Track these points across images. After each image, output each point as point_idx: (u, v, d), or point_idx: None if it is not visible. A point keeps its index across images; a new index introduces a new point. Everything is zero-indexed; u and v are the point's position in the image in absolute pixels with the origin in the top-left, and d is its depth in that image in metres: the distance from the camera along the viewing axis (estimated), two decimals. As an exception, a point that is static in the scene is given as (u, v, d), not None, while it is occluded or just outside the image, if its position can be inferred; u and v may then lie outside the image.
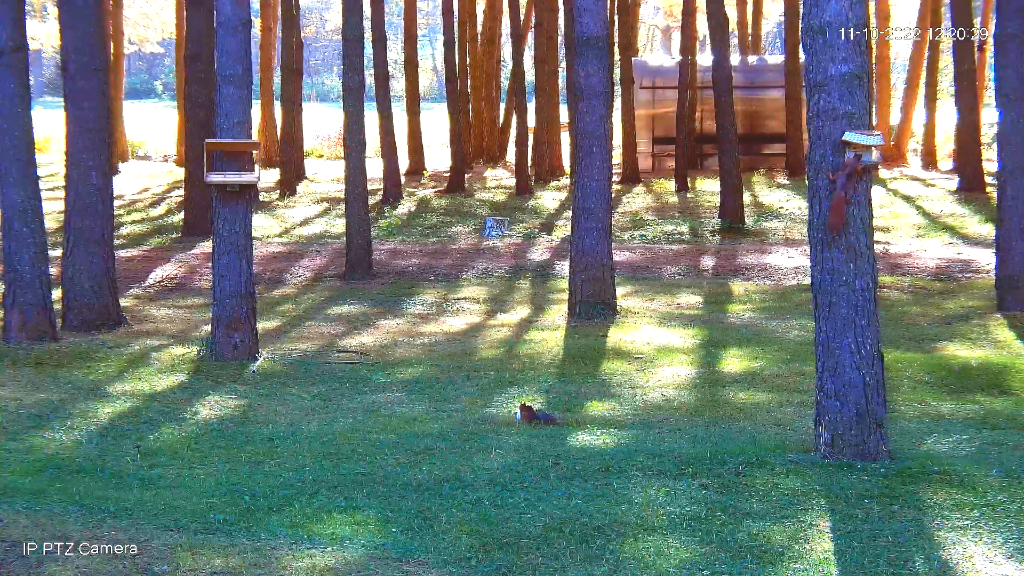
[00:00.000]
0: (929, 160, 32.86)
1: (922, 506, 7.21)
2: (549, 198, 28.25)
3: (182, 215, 24.24)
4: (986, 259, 18.54)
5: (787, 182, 30.01)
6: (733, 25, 35.20)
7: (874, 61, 32.62)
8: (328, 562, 6.42)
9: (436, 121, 45.38)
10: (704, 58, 31.96)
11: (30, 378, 11.58)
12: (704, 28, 34.49)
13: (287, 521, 7.10)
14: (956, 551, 6.53)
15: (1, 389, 11.03)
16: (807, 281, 11.92)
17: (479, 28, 38.12)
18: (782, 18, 37.07)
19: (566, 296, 15.49)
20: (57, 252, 14.77)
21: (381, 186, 28.10)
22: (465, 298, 16.97)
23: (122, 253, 20.26)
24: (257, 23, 35.11)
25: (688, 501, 7.34)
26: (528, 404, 10.07)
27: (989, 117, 28.58)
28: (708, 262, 20.05)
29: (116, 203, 20.68)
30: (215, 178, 12.44)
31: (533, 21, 34.05)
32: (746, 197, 25.61)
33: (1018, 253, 14.34)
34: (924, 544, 6.64)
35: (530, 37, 38.03)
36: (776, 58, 35.46)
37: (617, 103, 31.07)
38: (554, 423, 9.77)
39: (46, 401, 10.59)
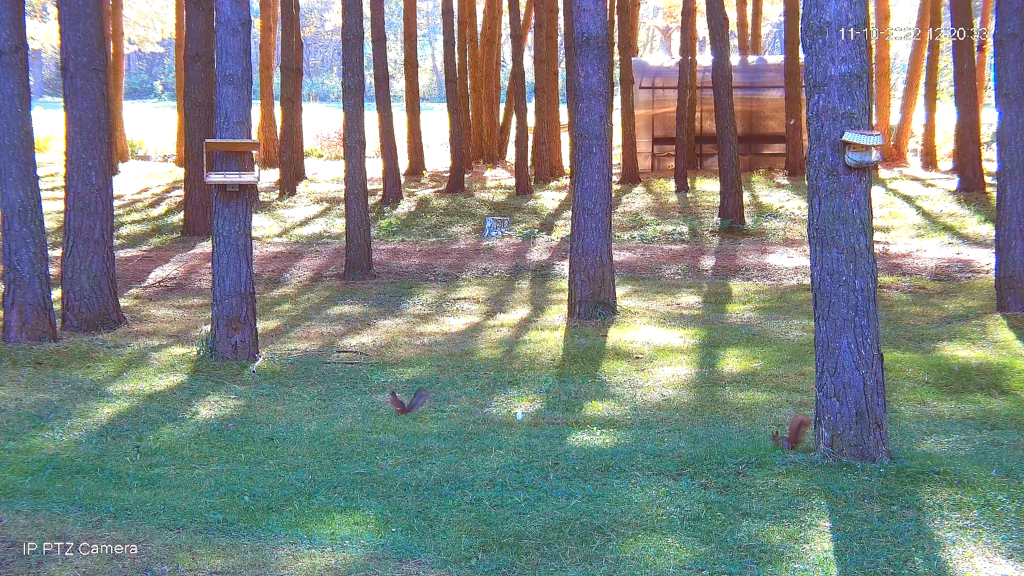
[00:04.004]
0: (929, 160, 32.85)
1: (922, 506, 7.20)
2: (549, 198, 28.24)
3: (182, 215, 24.23)
4: (986, 259, 18.53)
5: (787, 182, 30.01)
6: (733, 25, 35.22)
7: (874, 61, 32.61)
8: (328, 562, 6.42)
9: (436, 121, 45.41)
10: (704, 58, 31.97)
11: (29, 378, 11.58)
12: (704, 28, 34.50)
13: (286, 521, 7.10)
14: (956, 551, 6.53)
15: (1, 389, 11.03)
16: (807, 281, 11.93)
17: (479, 28, 38.10)
18: (782, 18, 37.07)
19: (566, 296, 15.48)
20: (57, 252, 14.78)
21: (381, 186, 28.11)
22: (465, 298, 16.96)
23: (122, 253, 20.26)
24: (257, 23, 35.14)
25: (688, 501, 7.34)
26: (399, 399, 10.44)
27: (989, 117, 28.59)
28: (708, 262, 20.04)
29: (116, 203, 20.70)
30: (215, 178, 12.44)
31: (533, 21, 34.04)
32: (746, 197, 25.62)
33: (1018, 253, 14.33)
34: (924, 544, 6.63)
35: (530, 37, 38.03)
36: (776, 58, 35.46)
37: (617, 103, 31.08)
38: (425, 397, 10.45)
39: (45, 401, 10.59)
